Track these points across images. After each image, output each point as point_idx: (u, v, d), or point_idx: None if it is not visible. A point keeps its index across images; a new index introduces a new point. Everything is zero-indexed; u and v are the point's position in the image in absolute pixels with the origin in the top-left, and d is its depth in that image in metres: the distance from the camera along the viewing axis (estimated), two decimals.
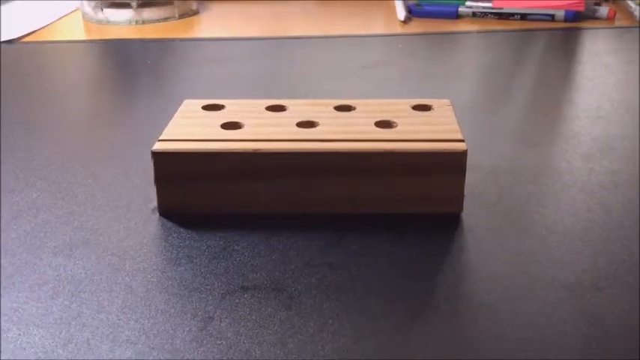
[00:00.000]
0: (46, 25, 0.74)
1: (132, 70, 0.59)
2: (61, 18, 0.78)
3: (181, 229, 0.32)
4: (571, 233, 0.31)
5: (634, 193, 0.34)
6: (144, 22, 0.74)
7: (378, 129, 0.33)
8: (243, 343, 0.24)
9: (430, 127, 0.34)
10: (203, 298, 0.26)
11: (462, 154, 0.31)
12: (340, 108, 0.36)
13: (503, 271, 0.28)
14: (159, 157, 0.32)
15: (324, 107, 0.36)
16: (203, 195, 0.33)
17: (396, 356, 0.23)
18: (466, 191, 0.32)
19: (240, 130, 0.34)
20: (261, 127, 0.34)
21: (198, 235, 0.31)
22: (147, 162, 0.33)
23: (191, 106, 0.37)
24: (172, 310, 0.26)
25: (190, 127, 0.34)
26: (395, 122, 0.34)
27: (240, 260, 0.29)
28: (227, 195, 0.33)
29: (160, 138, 0.33)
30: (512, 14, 0.72)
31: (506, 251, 0.29)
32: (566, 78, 0.54)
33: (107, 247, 0.30)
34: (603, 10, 0.72)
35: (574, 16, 0.71)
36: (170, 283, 0.28)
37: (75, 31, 0.73)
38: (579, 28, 0.69)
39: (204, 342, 0.24)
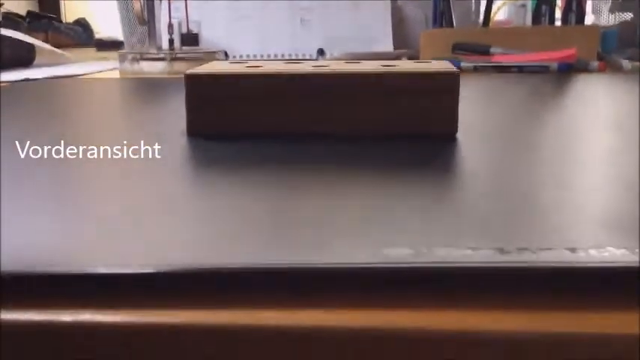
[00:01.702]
0: (85, 74, 0.82)
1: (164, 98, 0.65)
2: (100, 72, 0.86)
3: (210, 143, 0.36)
4: None
5: None
6: (175, 72, 0.82)
7: (380, 67, 0.38)
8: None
9: (426, 65, 0.39)
10: None
11: (455, 75, 0.36)
12: (349, 62, 0.42)
13: None
14: (191, 80, 0.37)
15: (334, 61, 0.42)
16: (232, 116, 0.37)
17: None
18: None
19: (262, 68, 0.39)
20: (281, 67, 0.39)
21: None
22: None
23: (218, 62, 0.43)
24: None
25: (219, 66, 0.39)
26: (398, 65, 0.39)
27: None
28: (251, 115, 0.37)
29: (191, 71, 0.38)
30: (510, 67, 0.79)
31: None
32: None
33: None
34: (594, 63, 0.78)
35: (567, 69, 0.77)
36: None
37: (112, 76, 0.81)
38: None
39: None
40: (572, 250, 0.19)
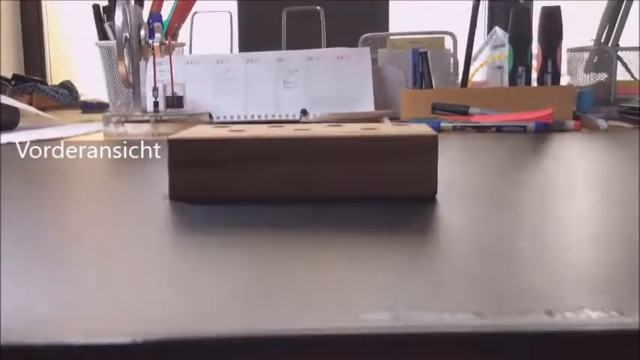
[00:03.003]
0: (69, 137, 0.83)
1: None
2: (84, 134, 0.87)
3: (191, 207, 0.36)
4: None
5: None
6: (160, 135, 0.83)
7: (362, 130, 0.39)
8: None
9: (406, 128, 0.40)
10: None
11: (433, 138, 0.37)
12: (331, 125, 0.42)
13: None
14: (174, 144, 0.37)
15: (317, 124, 0.42)
16: (214, 180, 0.37)
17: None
18: None
19: (244, 131, 0.40)
20: (264, 131, 0.40)
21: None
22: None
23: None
24: None
25: (202, 130, 0.40)
26: (377, 127, 0.40)
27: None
28: (233, 180, 0.37)
29: (173, 136, 0.39)
30: (489, 127, 0.81)
31: None
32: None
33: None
34: (570, 123, 0.80)
35: (544, 128, 0.79)
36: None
37: (96, 139, 0.81)
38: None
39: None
40: (549, 313, 0.19)
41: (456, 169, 0.49)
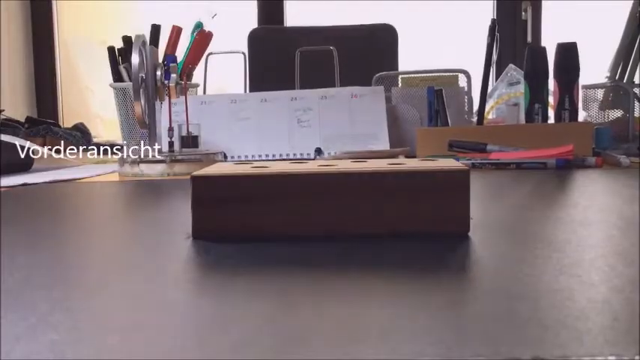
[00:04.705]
0: (84, 178, 0.82)
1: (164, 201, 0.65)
2: (99, 175, 0.86)
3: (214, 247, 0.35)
4: None
5: None
6: (175, 174, 0.82)
7: (389, 165, 0.38)
8: None
9: (435, 163, 0.38)
10: None
11: (465, 173, 0.36)
12: (356, 161, 0.41)
13: None
14: (198, 181, 0.36)
15: (339, 160, 0.41)
16: (237, 217, 0.36)
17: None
18: None
19: (268, 168, 0.39)
20: (288, 167, 0.39)
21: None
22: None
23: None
24: None
25: (224, 167, 0.39)
26: (405, 162, 0.39)
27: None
28: (258, 217, 0.36)
29: (197, 173, 0.38)
30: (508, 164, 0.80)
31: None
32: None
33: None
34: (591, 159, 0.79)
35: (565, 164, 0.78)
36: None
37: (111, 179, 0.81)
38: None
39: None
40: (591, 356, 0.18)
41: (484, 205, 0.48)
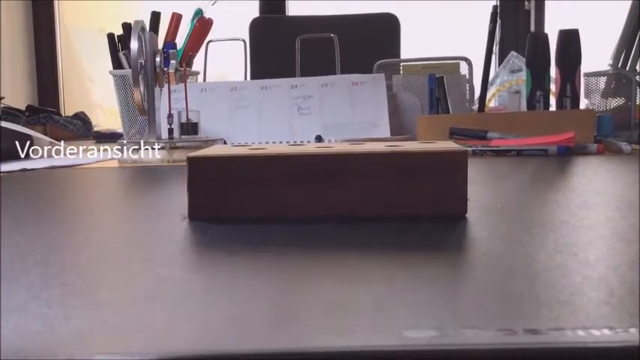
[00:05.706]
0: (83, 164, 0.82)
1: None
2: (98, 162, 0.86)
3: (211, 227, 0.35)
4: None
5: None
6: (175, 161, 0.82)
7: (387, 147, 0.38)
8: None
9: (433, 145, 0.38)
10: None
11: (463, 153, 0.35)
12: (354, 144, 0.41)
13: None
14: (194, 163, 0.36)
15: (338, 144, 0.41)
16: (233, 198, 0.36)
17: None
18: None
19: (265, 149, 0.38)
20: (285, 149, 0.38)
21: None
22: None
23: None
24: None
25: (221, 149, 0.39)
26: (403, 145, 0.39)
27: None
28: (254, 198, 0.36)
29: (193, 154, 0.37)
30: (509, 150, 0.79)
31: None
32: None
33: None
34: (592, 146, 0.79)
35: (566, 152, 0.77)
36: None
37: (110, 166, 0.81)
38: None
39: None
40: (585, 329, 0.18)
41: (483, 189, 0.48)
